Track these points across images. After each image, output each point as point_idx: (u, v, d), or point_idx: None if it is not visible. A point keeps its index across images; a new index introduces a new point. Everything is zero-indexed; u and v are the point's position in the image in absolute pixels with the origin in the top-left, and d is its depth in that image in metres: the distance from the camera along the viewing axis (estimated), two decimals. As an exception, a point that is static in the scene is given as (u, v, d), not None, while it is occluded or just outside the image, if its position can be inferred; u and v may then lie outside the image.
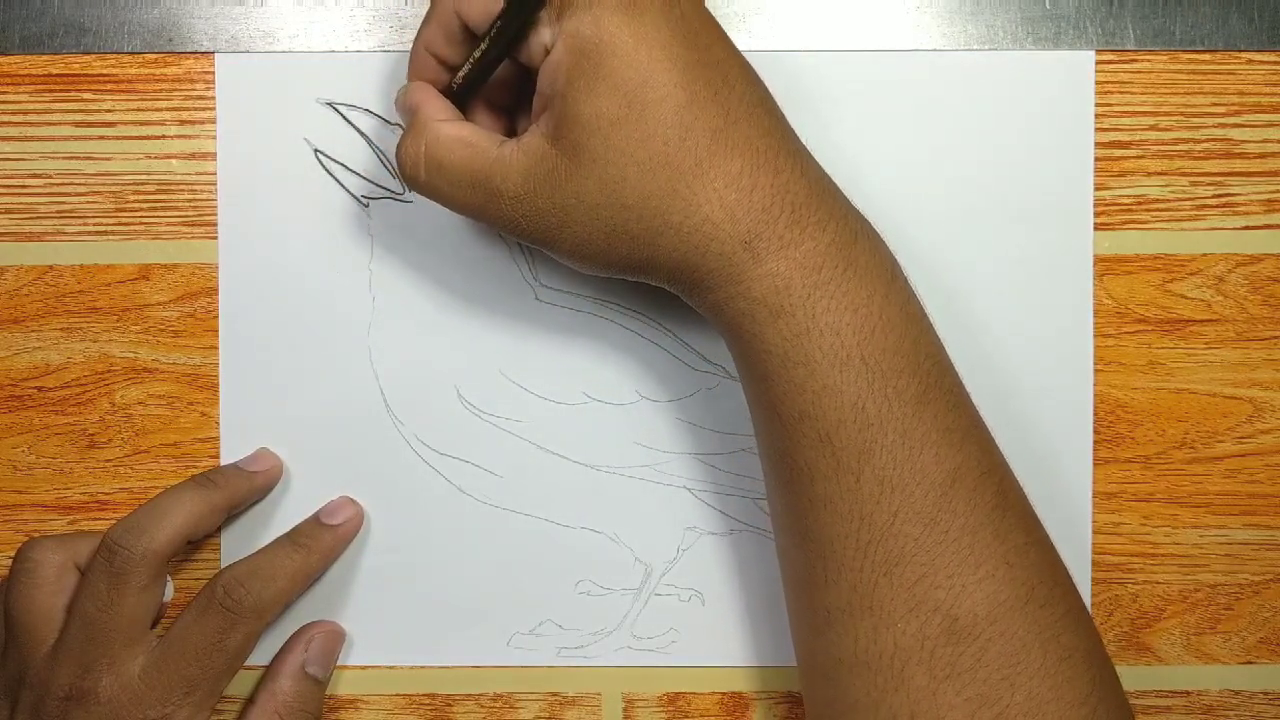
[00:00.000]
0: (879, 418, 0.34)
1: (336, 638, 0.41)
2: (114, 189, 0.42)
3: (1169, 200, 0.42)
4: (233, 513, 0.41)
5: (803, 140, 0.36)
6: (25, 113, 0.42)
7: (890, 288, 0.35)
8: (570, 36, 0.33)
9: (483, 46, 0.35)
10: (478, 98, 0.38)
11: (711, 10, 0.41)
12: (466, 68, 0.36)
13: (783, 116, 0.36)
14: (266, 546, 0.41)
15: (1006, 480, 0.35)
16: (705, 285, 0.35)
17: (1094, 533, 0.42)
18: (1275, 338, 0.42)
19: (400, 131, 0.41)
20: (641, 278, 0.36)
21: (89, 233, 0.42)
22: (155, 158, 0.42)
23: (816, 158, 0.36)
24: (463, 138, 0.36)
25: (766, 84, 0.35)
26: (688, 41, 0.34)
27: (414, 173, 0.36)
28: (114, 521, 0.39)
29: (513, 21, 0.34)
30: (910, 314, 0.35)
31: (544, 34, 0.34)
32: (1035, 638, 0.33)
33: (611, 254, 0.35)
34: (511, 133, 0.39)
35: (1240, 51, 0.41)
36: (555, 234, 0.35)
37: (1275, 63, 0.41)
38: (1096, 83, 0.41)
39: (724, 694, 0.42)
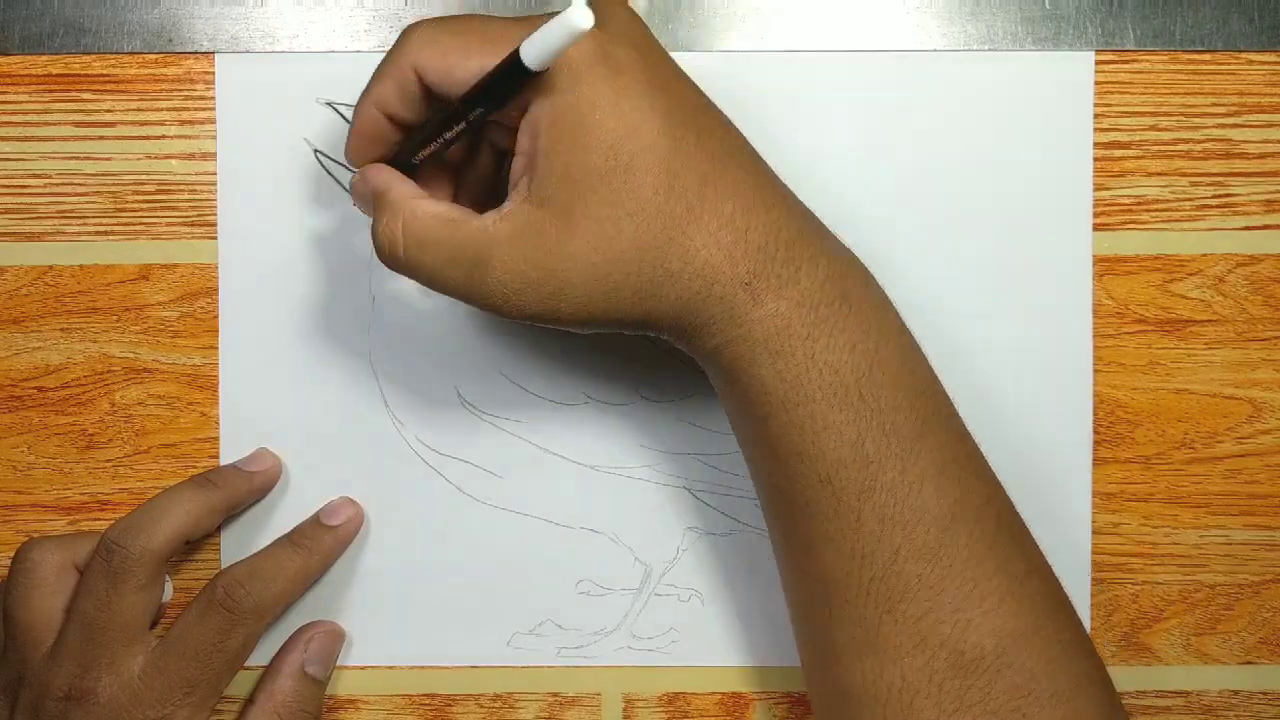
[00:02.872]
0: (878, 455, 0.33)
1: (336, 637, 0.41)
2: (114, 189, 0.42)
3: (1169, 200, 0.42)
4: (232, 513, 0.41)
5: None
6: (25, 113, 0.42)
7: (885, 321, 0.35)
8: (550, 95, 0.33)
9: (458, 129, 0.34)
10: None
11: (712, 11, 0.41)
12: (433, 146, 0.35)
13: (761, 158, 0.36)
14: (266, 548, 0.41)
15: (1005, 508, 0.35)
16: (705, 331, 0.34)
17: (1094, 533, 0.42)
18: (1275, 338, 0.42)
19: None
20: (640, 330, 0.35)
21: (89, 233, 0.42)
22: (155, 158, 0.42)
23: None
24: (441, 214, 0.34)
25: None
26: (665, 90, 0.34)
27: (393, 252, 0.34)
28: (113, 521, 0.39)
29: (495, 104, 0.33)
30: (905, 346, 0.35)
31: (522, 95, 0.33)
32: (1043, 668, 0.33)
33: (613, 312, 0.34)
34: (455, 197, 0.38)
35: (1240, 51, 0.41)
36: (553, 303, 0.34)
37: (1275, 63, 0.41)
38: (1096, 83, 0.41)
39: (724, 694, 0.42)
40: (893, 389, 0.34)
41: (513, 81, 0.32)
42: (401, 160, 0.36)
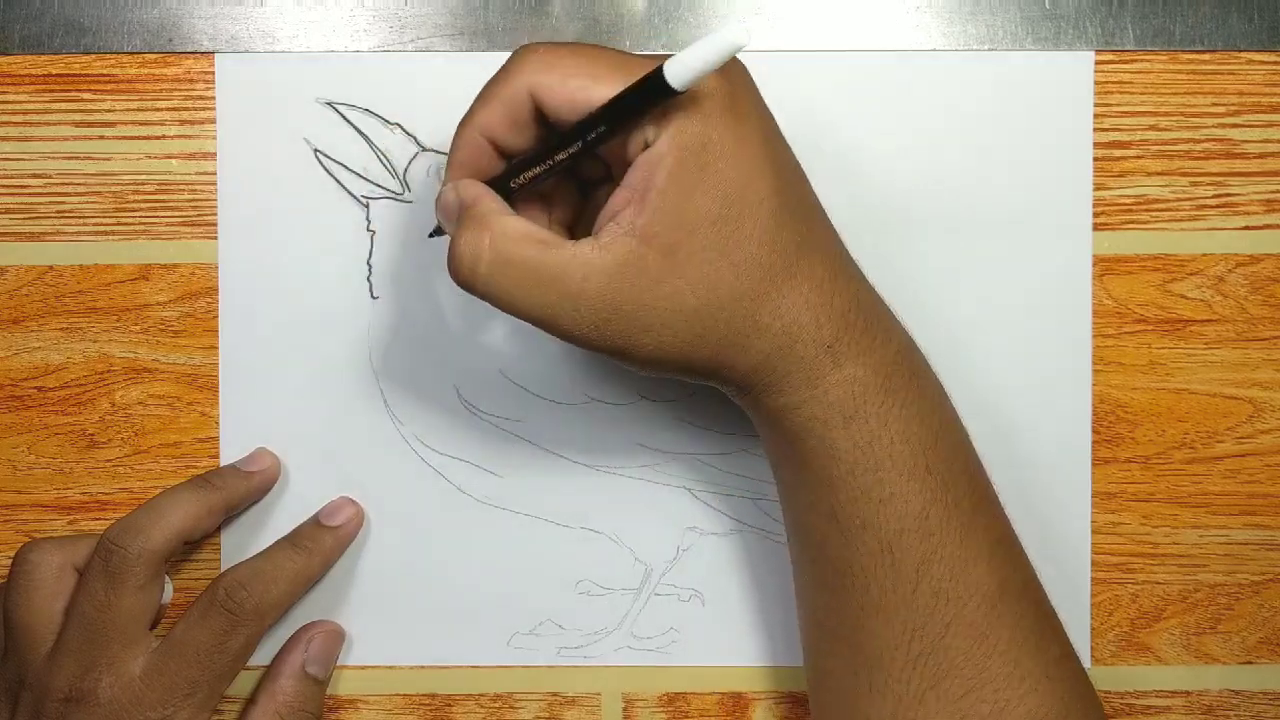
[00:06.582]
0: (940, 527, 0.34)
1: (336, 637, 0.41)
2: (114, 189, 0.42)
3: (1169, 200, 0.42)
4: (231, 514, 0.41)
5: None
6: (25, 113, 0.42)
7: (943, 397, 0.36)
8: (678, 133, 0.32)
9: (571, 150, 0.32)
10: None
11: (711, 11, 0.41)
12: (539, 169, 0.33)
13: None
14: (267, 549, 0.41)
15: (1041, 592, 0.36)
16: (779, 388, 0.34)
17: (1094, 533, 0.42)
18: (1275, 338, 0.42)
19: (399, 130, 0.41)
20: (708, 380, 0.35)
21: (89, 233, 0.42)
22: (155, 158, 0.42)
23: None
24: (533, 234, 0.33)
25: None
26: (775, 145, 0.34)
27: (473, 267, 0.32)
28: (112, 522, 0.39)
29: (623, 124, 0.32)
30: (960, 426, 0.36)
31: (646, 129, 0.32)
32: None
33: (692, 358, 0.34)
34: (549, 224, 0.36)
35: (1240, 51, 0.41)
36: (636, 338, 0.33)
37: (1275, 63, 0.41)
38: (1096, 83, 0.41)
39: (724, 694, 0.42)
40: (954, 464, 0.35)
41: (649, 100, 0.31)
42: (499, 186, 0.34)
